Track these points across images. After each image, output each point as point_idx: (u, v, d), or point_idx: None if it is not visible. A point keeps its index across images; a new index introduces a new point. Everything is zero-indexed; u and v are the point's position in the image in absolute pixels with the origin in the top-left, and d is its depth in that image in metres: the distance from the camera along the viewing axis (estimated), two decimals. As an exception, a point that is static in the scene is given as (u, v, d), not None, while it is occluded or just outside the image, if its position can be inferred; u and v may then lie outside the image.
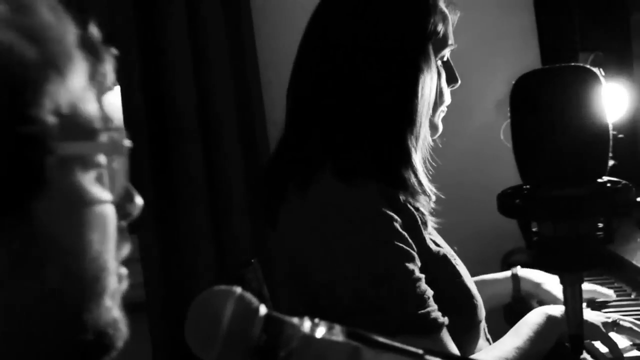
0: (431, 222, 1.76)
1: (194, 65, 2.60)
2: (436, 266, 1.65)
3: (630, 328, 1.84)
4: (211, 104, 2.62)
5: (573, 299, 1.13)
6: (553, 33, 2.76)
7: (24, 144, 0.65)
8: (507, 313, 2.23)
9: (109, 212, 0.73)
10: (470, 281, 1.72)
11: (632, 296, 2.20)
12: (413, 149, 1.65)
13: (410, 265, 1.56)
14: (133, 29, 2.56)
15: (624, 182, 1.11)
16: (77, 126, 0.70)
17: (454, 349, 1.58)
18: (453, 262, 1.70)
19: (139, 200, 0.77)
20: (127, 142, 0.73)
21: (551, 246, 1.11)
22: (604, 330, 1.83)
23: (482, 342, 1.76)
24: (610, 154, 1.11)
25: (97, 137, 0.72)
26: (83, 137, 0.70)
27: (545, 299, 2.04)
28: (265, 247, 2.61)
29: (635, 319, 1.90)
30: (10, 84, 0.65)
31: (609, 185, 1.11)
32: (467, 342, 1.67)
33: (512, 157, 2.89)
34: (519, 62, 2.85)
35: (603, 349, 1.87)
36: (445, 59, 1.76)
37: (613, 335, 1.81)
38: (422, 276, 1.57)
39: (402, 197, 1.64)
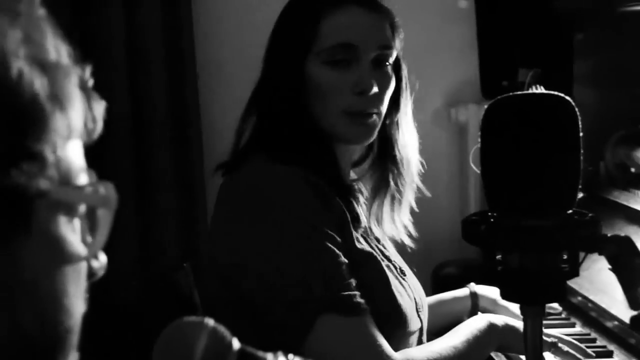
0: (379, 231, 1.79)
1: (128, 66, 2.54)
2: (363, 267, 1.65)
3: (568, 352, 1.85)
4: (147, 109, 2.57)
5: (533, 331, 1.11)
6: (493, 47, 2.76)
7: (20, 179, 0.59)
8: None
9: (84, 266, 0.68)
10: (401, 293, 1.70)
11: (564, 315, 2.21)
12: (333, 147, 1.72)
13: (335, 249, 1.59)
14: (68, 29, 2.48)
15: (591, 214, 1.10)
16: (69, 170, 0.65)
17: (378, 335, 1.59)
18: (387, 270, 1.69)
19: (103, 259, 0.72)
20: (115, 196, 0.68)
21: (515, 277, 1.09)
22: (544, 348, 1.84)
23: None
24: (580, 186, 1.09)
25: (86, 185, 0.66)
26: (73, 183, 0.65)
27: (502, 314, 2.04)
28: (196, 251, 2.56)
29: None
30: (18, 113, 0.59)
31: (576, 217, 1.09)
32: (397, 348, 1.65)
33: (447, 168, 2.90)
34: (458, 74, 2.85)
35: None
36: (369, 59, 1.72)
37: (548, 356, 1.82)
38: (346, 262, 1.59)
39: (335, 196, 1.67)
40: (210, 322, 0.76)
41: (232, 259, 1.63)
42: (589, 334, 2.07)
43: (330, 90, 1.68)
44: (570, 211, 1.09)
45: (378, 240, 1.81)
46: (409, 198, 1.86)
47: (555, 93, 1.08)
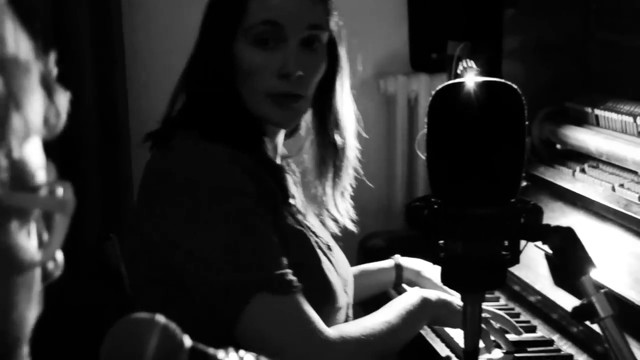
0: (312, 211, 1.78)
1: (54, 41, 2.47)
2: (293, 245, 1.65)
3: (502, 316, 1.88)
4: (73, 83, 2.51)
5: (472, 317, 1.11)
6: (423, 19, 2.76)
7: None
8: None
9: (37, 273, 0.65)
10: (330, 270, 1.70)
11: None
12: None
13: (265, 227, 1.59)
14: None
15: (533, 203, 1.10)
16: (24, 172, 0.61)
17: (312, 312, 1.59)
18: (316, 247, 1.69)
19: (60, 259, 0.68)
20: (72, 198, 0.64)
21: (457, 264, 1.09)
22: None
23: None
24: (523, 175, 1.09)
25: (41, 187, 0.63)
26: (28, 187, 0.62)
27: (425, 287, 2.06)
28: (122, 223, 2.52)
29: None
30: None
31: (519, 205, 1.09)
32: (327, 323, 1.66)
33: (374, 138, 2.90)
34: (387, 45, 2.84)
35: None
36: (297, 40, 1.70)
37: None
38: (277, 240, 1.59)
39: (265, 174, 1.66)
40: (161, 319, 0.74)
41: (162, 238, 1.60)
42: (512, 309, 2.11)
43: (255, 71, 1.66)
44: (513, 200, 1.09)
45: (305, 217, 1.80)
46: (348, 183, 1.85)
47: (502, 81, 1.08)
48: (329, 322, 1.67)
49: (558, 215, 2.21)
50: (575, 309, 1.04)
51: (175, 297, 1.62)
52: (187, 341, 0.74)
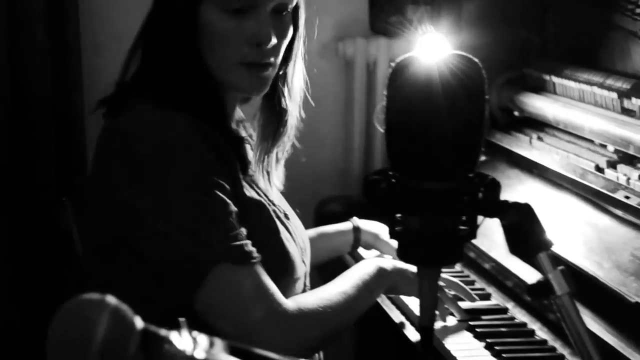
0: (275, 181, 1.76)
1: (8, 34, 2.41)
2: (252, 215, 1.63)
3: (457, 283, 1.88)
4: (25, 36, 2.45)
5: (428, 292, 1.11)
6: (383, -18, 2.73)
7: None
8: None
9: None
10: (289, 240, 1.69)
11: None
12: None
13: (225, 198, 1.56)
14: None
15: (491, 177, 1.09)
16: None
17: (270, 284, 1.58)
18: (274, 217, 1.68)
19: None
20: None
21: (414, 239, 1.08)
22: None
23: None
24: (482, 149, 1.08)
25: None
26: None
27: (382, 250, 2.06)
28: (74, 188, 2.48)
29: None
30: None
31: (477, 180, 1.08)
32: (285, 294, 1.65)
33: (332, 101, 2.87)
34: (347, 8, 2.81)
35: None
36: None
37: None
38: (236, 210, 1.57)
39: (224, 143, 1.63)
40: (111, 300, 0.72)
41: (117, 209, 1.57)
42: (467, 276, 2.12)
43: (226, 40, 1.61)
44: (472, 174, 1.08)
45: (265, 188, 1.77)
46: (285, 150, 1.82)
47: (463, 54, 1.06)
48: (287, 293, 1.66)
49: (515, 183, 2.21)
50: (531, 286, 1.04)
51: (130, 266, 1.59)
52: (139, 323, 0.72)
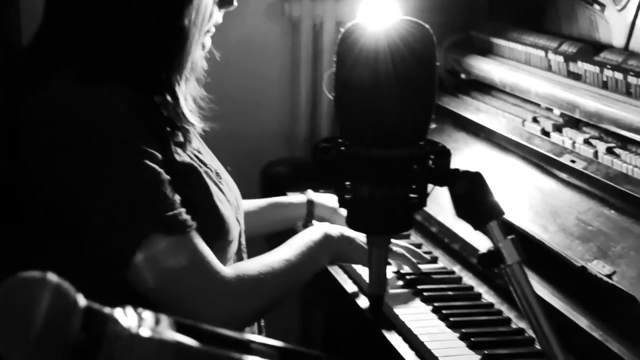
0: (196, 137, 1.72)
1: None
2: (184, 180, 1.59)
3: (403, 255, 1.88)
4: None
5: (378, 260, 1.10)
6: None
7: None
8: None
9: None
10: (222, 201, 1.66)
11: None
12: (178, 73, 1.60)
13: (156, 167, 1.53)
14: None
15: (441, 145, 1.08)
16: None
17: (207, 252, 1.56)
18: (207, 179, 1.64)
19: None
20: None
21: (363, 207, 1.07)
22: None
23: (233, 260, 1.72)
24: (433, 117, 1.07)
25: None
26: None
27: (338, 224, 2.04)
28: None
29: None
30: None
31: (427, 148, 1.07)
32: (219, 257, 1.62)
33: (278, 63, 2.83)
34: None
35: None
36: None
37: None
38: (168, 178, 1.54)
39: (151, 108, 1.58)
40: (53, 277, 0.69)
41: (50, 183, 1.52)
42: (414, 240, 2.12)
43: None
44: (422, 142, 1.07)
45: (195, 148, 1.73)
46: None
47: (413, 20, 1.04)
48: (222, 255, 1.64)
49: (461, 146, 2.21)
50: (481, 255, 1.03)
51: (66, 243, 1.56)
52: (81, 301, 0.69)
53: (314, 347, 2.46)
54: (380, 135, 1.05)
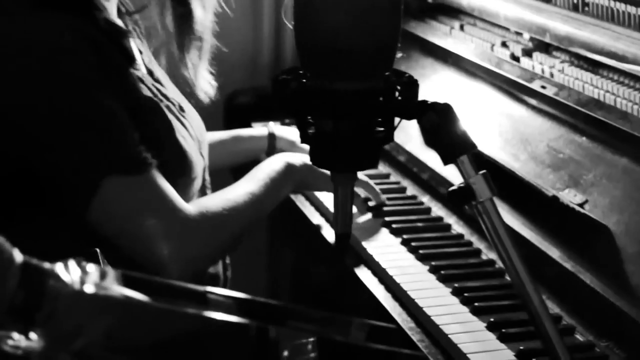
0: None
1: None
2: (145, 116, 1.54)
3: (367, 183, 1.84)
4: None
5: (344, 198, 1.05)
6: None
7: None
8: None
9: None
10: (185, 137, 1.61)
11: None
12: None
13: (114, 104, 1.48)
14: None
15: (408, 75, 1.02)
16: None
17: (169, 189, 1.52)
18: (168, 114, 1.59)
19: None
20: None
21: (326, 143, 1.01)
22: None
23: (196, 196, 1.68)
24: (399, 45, 1.01)
25: None
26: None
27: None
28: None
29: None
30: None
31: (394, 79, 1.01)
32: (182, 194, 1.58)
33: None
34: None
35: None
36: None
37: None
38: (126, 114, 1.49)
39: (108, 41, 1.52)
40: (-15, 232, 0.63)
41: (3, 120, 1.46)
42: (381, 170, 2.07)
43: None
44: (388, 73, 1.01)
45: (157, 81, 1.67)
46: (206, 49, 1.72)
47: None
48: (185, 193, 1.59)
49: (429, 73, 2.15)
50: (452, 192, 0.98)
51: (18, 184, 1.49)
52: (18, 256, 0.64)
53: (283, 290, 2.43)
54: (342, 65, 0.99)
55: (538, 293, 0.96)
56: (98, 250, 1.07)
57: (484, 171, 0.98)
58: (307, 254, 2.09)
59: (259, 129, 2.06)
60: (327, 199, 1.89)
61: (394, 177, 2.03)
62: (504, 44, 2.00)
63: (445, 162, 0.99)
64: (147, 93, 1.57)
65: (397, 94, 1.01)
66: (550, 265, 1.49)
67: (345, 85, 0.98)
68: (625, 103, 1.58)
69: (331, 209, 1.84)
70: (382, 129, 1.02)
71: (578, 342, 1.39)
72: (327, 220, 1.86)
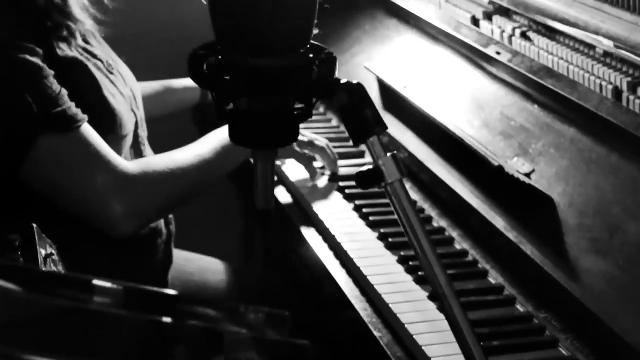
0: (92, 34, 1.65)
1: None
2: (70, 75, 1.54)
3: (324, 150, 1.83)
4: None
5: (264, 174, 1.03)
6: None
7: None
8: (197, 116, 2.16)
9: None
10: (114, 94, 1.59)
11: (321, 110, 2.18)
12: None
13: (38, 62, 1.47)
14: None
15: (328, 51, 1.00)
16: None
17: (102, 145, 1.52)
18: (96, 72, 1.58)
19: None
20: None
21: (244, 120, 1.00)
22: (298, 149, 1.81)
23: (129, 153, 1.68)
24: (316, 21, 0.99)
25: None
26: None
27: None
28: None
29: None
30: None
31: (311, 56, 0.99)
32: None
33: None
34: None
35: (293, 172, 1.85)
36: None
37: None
38: (52, 73, 1.48)
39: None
40: None
41: None
42: (343, 132, 2.05)
43: None
44: (307, 47, 0.99)
45: (85, 41, 1.65)
46: None
47: None
48: (117, 149, 1.59)
49: (393, 34, 2.12)
50: (360, 174, 0.97)
51: None
52: None
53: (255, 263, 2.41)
54: (256, 42, 0.97)
55: (449, 281, 0.95)
56: (35, 225, 1.07)
57: (394, 152, 0.97)
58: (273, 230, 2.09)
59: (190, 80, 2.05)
60: (287, 167, 1.88)
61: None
62: (465, 7, 1.97)
63: (355, 142, 0.98)
64: (71, 53, 1.56)
65: (315, 69, 0.99)
66: (495, 236, 1.49)
67: (260, 62, 0.96)
68: (577, 71, 1.56)
69: (291, 177, 1.85)
70: (300, 105, 1.00)
71: (518, 314, 1.39)
72: (284, 184, 1.86)
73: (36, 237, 1.06)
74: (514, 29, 1.77)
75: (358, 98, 0.95)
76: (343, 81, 0.96)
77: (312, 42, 1.00)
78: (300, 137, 1.74)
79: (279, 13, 0.95)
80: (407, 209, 0.94)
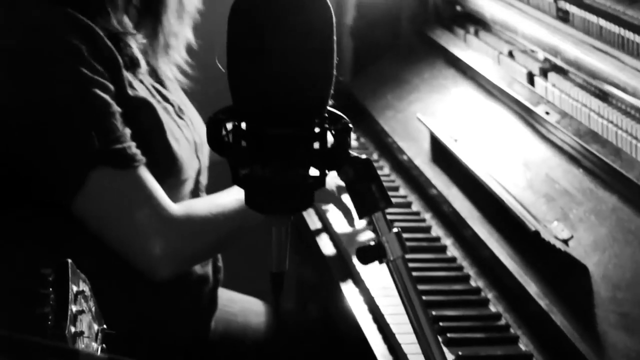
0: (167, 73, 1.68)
1: None
2: (137, 114, 1.56)
3: (345, 207, 1.82)
4: None
5: (278, 238, 1.04)
6: None
7: None
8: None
9: None
10: (178, 139, 1.62)
11: (375, 157, 2.18)
12: None
13: (107, 97, 1.50)
14: None
15: (345, 120, 1.01)
16: None
17: (155, 187, 1.53)
18: (164, 114, 1.60)
19: None
20: None
21: (259, 186, 1.01)
22: (337, 194, 1.81)
23: (188, 198, 1.69)
24: (331, 92, 1.00)
25: None
26: None
27: None
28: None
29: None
30: None
31: (326, 126, 1.00)
32: (170, 195, 1.59)
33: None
34: None
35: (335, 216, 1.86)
36: None
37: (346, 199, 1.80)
38: (119, 110, 1.51)
39: (103, 33, 1.54)
40: None
41: None
42: (393, 181, 2.05)
43: None
44: (325, 115, 0.99)
45: (160, 82, 1.68)
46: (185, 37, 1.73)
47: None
48: (175, 194, 1.60)
49: (449, 84, 2.12)
50: (360, 249, 0.97)
51: (4, 176, 1.53)
52: None
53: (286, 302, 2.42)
54: (277, 110, 0.98)
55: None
56: (69, 260, 1.09)
57: (398, 230, 0.96)
58: (302, 260, 2.10)
59: None
60: (330, 209, 1.89)
61: (403, 191, 2.00)
62: (522, 61, 1.95)
63: (360, 216, 0.98)
64: (142, 93, 1.59)
65: (331, 138, 1.00)
66: (528, 301, 1.47)
67: (276, 131, 0.98)
68: (625, 137, 1.53)
69: (331, 220, 1.86)
70: (315, 174, 1.01)
71: (544, 384, 1.37)
72: (327, 230, 1.87)
73: (70, 272, 1.08)
74: (569, 87, 1.74)
75: (363, 173, 0.95)
76: (352, 154, 0.97)
77: (330, 109, 1.01)
78: (339, 182, 1.76)
79: (296, 86, 0.96)
80: (407, 286, 0.94)
